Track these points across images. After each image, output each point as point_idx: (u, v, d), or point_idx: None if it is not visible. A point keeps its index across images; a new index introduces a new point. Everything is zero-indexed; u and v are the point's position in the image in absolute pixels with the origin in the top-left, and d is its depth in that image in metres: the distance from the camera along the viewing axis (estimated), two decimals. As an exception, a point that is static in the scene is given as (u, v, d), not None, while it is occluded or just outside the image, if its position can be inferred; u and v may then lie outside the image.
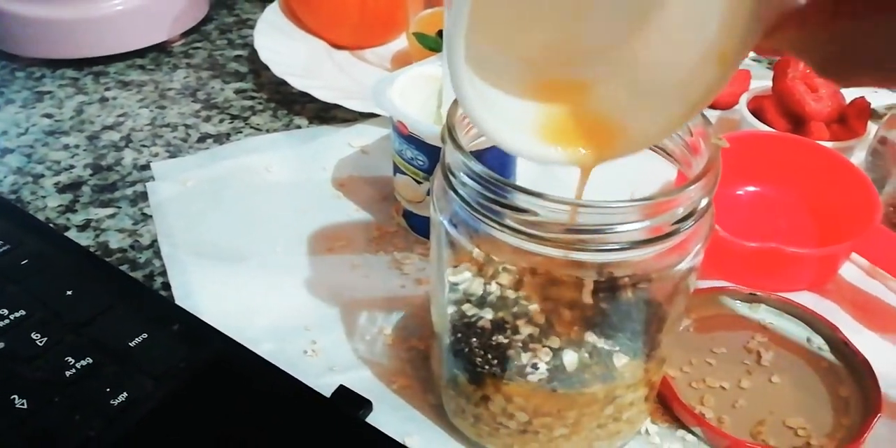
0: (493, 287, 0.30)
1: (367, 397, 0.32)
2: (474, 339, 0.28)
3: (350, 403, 0.31)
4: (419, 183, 0.40)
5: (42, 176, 0.48)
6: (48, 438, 0.29)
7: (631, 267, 0.24)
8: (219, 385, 0.31)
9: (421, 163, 0.39)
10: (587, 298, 0.28)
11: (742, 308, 0.38)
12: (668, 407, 0.33)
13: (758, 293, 0.37)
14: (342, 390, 0.32)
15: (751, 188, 0.45)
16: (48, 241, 0.38)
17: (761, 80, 0.51)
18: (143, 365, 0.32)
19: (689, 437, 0.32)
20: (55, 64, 0.59)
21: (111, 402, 0.30)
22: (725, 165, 0.41)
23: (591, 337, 0.28)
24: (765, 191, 0.45)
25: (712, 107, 0.53)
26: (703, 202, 0.23)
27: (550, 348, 0.28)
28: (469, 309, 0.29)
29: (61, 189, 0.46)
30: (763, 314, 0.37)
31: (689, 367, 0.35)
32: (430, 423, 0.32)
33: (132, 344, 0.32)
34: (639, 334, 0.28)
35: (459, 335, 0.28)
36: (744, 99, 0.49)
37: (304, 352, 0.35)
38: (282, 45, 0.57)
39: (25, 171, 0.48)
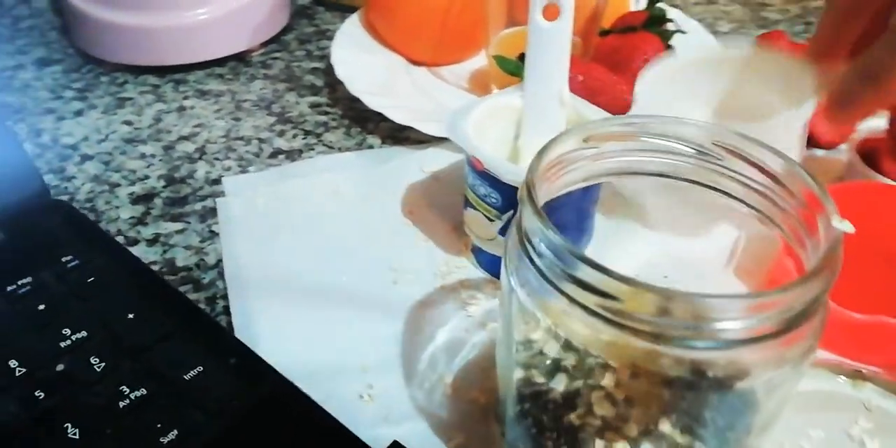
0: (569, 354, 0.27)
1: (422, 453, 0.30)
2: (543, 416, 0.26)
3: (403, 461, 0.29)
4: (491, 220, 0.38)
5: (118, 185, 0.48)
6: (97, 474, 0.28)
7: (727, 366, 0.21)
8: (268, 428, 0.30)
9: (494, 200, 0.37)
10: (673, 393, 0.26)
11: (845, 386, 0.34)
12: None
13: (864, 370, 0.34)
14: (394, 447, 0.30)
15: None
16: (116, 257, 0.38)
17: (874, 120, 0.47)
18: (196, 400, 0.31)
19: (774, 530, 0.29)
20: (138, 70, 0.59)
21: (161, 439, 0.29)
22: None
23: (671, 430, 0.25)
24: (876, 252, 0.40)
25: (813, 145, 0.49)
26: (822, 299, 0.20)
27: (628, 438, 0.25)
28: (536, 375, 0.27)
29: (135, 200, 0.47)
30: (869, 395, 0.34)
31: (782, 449, 0.32)
32: (487, 492, 0.30)
33: (187, 377, 0.32)
34: (727, 432, 0.25)
35: (527, 406, 0.26)
36: (852, 140, 0.45)
37: (360, 396, 0.33)
38: (359, 59, 0.56)
39: (102, 179, 0.48)
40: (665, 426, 0.25)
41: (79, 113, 0.55)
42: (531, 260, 0.22)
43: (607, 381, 0.27)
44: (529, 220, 0.22)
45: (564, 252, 0.20)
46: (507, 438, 0.28)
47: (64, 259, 0.37)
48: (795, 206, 0.23)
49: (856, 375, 0.34)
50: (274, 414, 0.31)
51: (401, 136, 0.52)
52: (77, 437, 0.29)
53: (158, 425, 0.30)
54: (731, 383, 0.22)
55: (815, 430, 0.32)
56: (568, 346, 0.26)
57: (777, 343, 0.20)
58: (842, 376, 0.34)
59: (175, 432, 0.29)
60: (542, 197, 0.24)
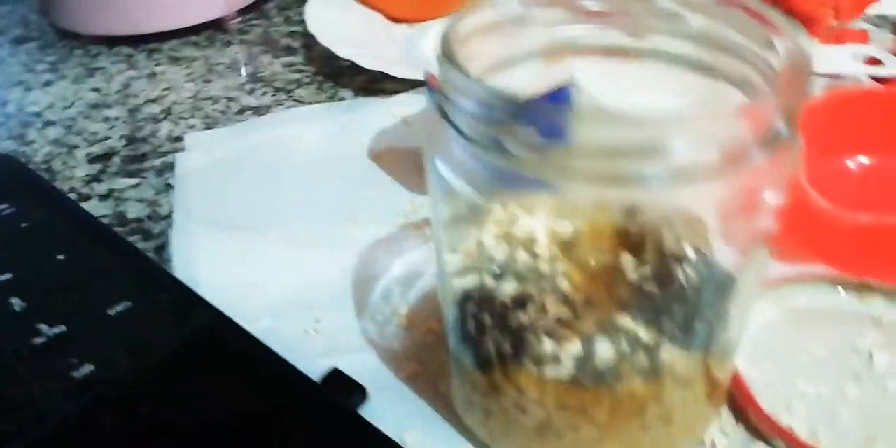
0: (522, 255, 0.24)
1: (368, 385, 0.27)
2: (487, 316, 0.23)
3: (342, 390, 0.26)
4: (453, 144, 0.34)
5: (77, 147, 0.46)
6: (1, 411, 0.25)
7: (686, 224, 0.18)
8: (198, 363, 0.27)
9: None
10: (630, 273, 0.22)
11: (849, 300, 0.30)
12: (741, 413, 0.26)
13: (871, 281, 0.29)
14: (335, 374, 0.27)
15: (863, 158, 0.37)
16: (56, 206, 0.36)
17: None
18: (118, 336, 0.28)
19: (770, 453, 0.25)
20: (113, 42, 0.58)
21: (73, 374, 0.26)
22: (829, 133, 0.33)
23: (632, 325, 0.21)
24: (881, 162, 0.36)
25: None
26: (783, 128, 0.17)
27: (581, 336, 0.22)
28: (483, 280, 0.24)
29: (92, 159, 0.44)
30: (878, 308, 0.29)
31: (774, 366, 0.28)
32: (436, 418, 0.26)
33: (112, 312, 0.29)
34: (695, 319, 0.21)
35: (470, 309, 0.23)
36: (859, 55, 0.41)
37: (305, 331, 0.30)
38: (335, 16, 0.54)
39: (62, 142, 0.46)
40: (625, 320, 0.22)
41: (48, 83, 0.53)
42: (452, 122, 0.19)
43: (563, 284, 0.23)
44: (448, 74, 0.18)
45: (492, 96, 0.17)
46: (449, 347, 0.24)
47: None
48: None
49: (862, 287, 0.30)
50: (205, 349, 0.28)
51: (374, 87, 0.49)
52: (-15, 374, 0.27)
53: (74, 360, 0.27)
54: (691, 258, 0.18)
55: (816, 344, 0.28)
56: (517, 244, 0.23)
57: (737, 181, 0.17)
58: (846, 290, 0.30)
59: (91, 367, 0.27)
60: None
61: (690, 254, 0.23)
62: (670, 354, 0.21)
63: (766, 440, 0.25)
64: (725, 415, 0.26)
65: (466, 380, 0.24)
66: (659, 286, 0.22)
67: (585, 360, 0.21)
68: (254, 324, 0.29)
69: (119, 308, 0.29)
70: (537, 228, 0.24)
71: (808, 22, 0.42)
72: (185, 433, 0.25)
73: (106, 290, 0.30)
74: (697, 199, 0.18)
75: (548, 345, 0.22)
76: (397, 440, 0.24)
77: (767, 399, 0.26)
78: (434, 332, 0.30)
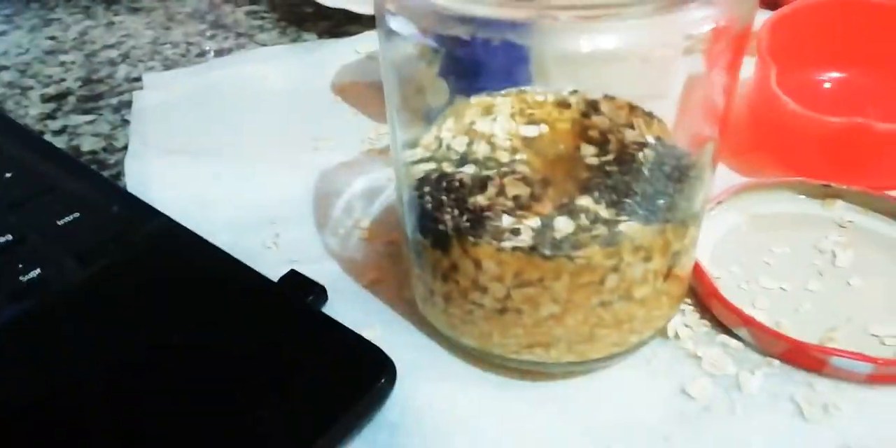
0: (482, 146, 0.23)
1: (330, 292, 0.26)
2: (444, 195, 0.22)
3: (300, 288, 0.25)
4: (415, 64, 0.34)
5: (31, 88, 0.44)
6: (-59, 313, 0.24)
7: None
8: (149, 268, 0.26)
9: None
10: (591, 159, 0.22)
11: (812, 205, 0.30)
12: (706, 310, 0.26)
13: (832, 185, 0.29)
14: (292, 275, 0.26)
15: (835, 74, 0.36)
16: (4, 129, 0.35)
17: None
18: (67, 244, 0.27)
19: (734, 342, 0.25)
20: (71, -6, 0.56)
21: (20, 278, 0.25)
22: (801, 44, 0.33)
23: (592, 204, 0.21)
24: (854, 76, 0.36)
25: None
26: None
27: (540, 214, 0.21)
28: (442, 167, 0.23)
29: (46, 99, 0.43)
30: (840, 211, 0.29)
31: (739, 267, 0.27)
32: (396, 317, 0.26)
33: (61, 222, 0.28)
34: (654, 195, 0.21)
35: (426, 189, 0.22)
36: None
37: (264, 244, 0.30)
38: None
39: (16, 84, 0.45)
40: (585, 200, 0.21)
41: (2, 34, 0.52)
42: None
43: (522, 168, 0.23)
44: None
45: None
46: (406, 232, 0.24)
47: (-54, 132, 0.34)
48: None
49: (825, 193, 0.29)
50: (156, 255, 0.27)
51: (338, 31, 0.48)
52: (-76, 282, 0.25)
53: (20, 266, 0.26)
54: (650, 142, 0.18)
55: (780, 246, 0.28)
56: (477, 137, 0.23)
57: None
58: (807, 195, 0.30)
59: (38, 271, 0.26)
60: None
61: (650, 140, 0.23)
62: (629, 226, 0.21)
63: (729, 332, 0.25)
64: (689, 311, 0.26)
65: (425, 265, 0.23)
66: (618, 166, 0.22)
67: (544, 232, 0.21)
68: (211, 238, 0.28)
69: (68, 218, 0.28)
70: (497, 126, 0.24)
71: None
72: (137, 337, 0.24)
73: (55, 203, 0.29)
74: (653, 28, 0.17)
75: (507, 220, 0.21)
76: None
77: (732, 295, 0.25)
78: (396, 243, 0.29)
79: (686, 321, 0.25)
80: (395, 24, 0.20)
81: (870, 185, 0.29)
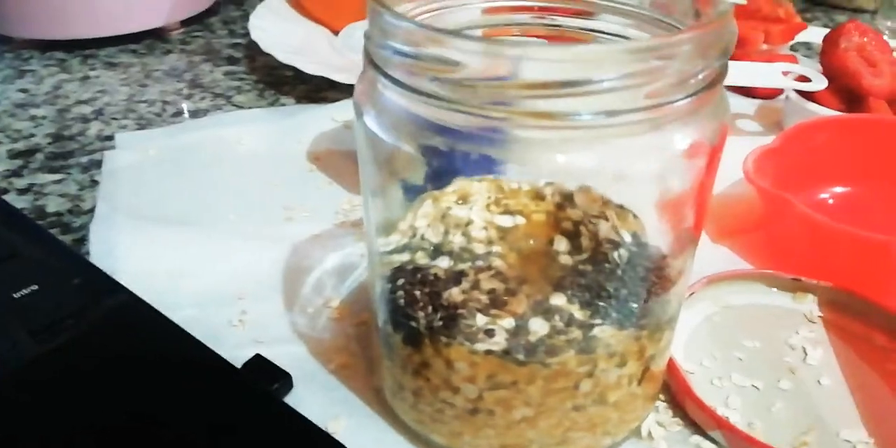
0: (457, 237, 0.23)
1: (294, 376, 0.25)
2: (418, 290, 0.22)
3: (264, 376, 0.25)
4: (393, 140, 0.34)
5: (-1, 143, 0.44)
6: None
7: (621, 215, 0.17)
8: (106, 347, 0.25)
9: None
10: (564, 256, 0.22)
11: (783, 298, 0.30)
12: (679, 407, 0.25)
13: (803, 279, 0.30)
14: (257, 360, 0.25)
15: (839, 189, 0.37)
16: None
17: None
18: (22, 318, 0.26)
19: (707, 444, 0.24)
20: (47, 46, 0.56)
21: (-33, 357, 0.24)
22: (797, 165, 0.33)
23: (566, 304, 0.21)
24: (858, 190, 0.37)
25: (751, 95, 0.47)
26: (705, 72, 0.17)
27: (514, 314, 0.21)
28: (416, 258, 0.23)
29: (14, 155, 0.42)
30: (810, 306, 0.30)
31: (712, 360, 0.27)
32: (363, 408, 0.25)
33: (17, 295, 0.27)
34: (628, 297, 0.21)
35: (400, 282, 0.22)
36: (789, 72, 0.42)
37: (230, 322, 0.29)
38: (279, 27, 0.53)
39: (-18, 138, 0.44)
40: (559, 300, 0.21)
41: (-28, 83, 0.51)
42: (378, 68, 0.18)
43: (497, 263, 0.22)
44: (378, 19, 0.18)
45: (425, 33, 0.16)
46: (377, 325, 0.23)
47: None
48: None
49: (795, 286, 0.30)
50: (115, 334, 0.26)
51: (316, 96, 0.49)
52: None
53: (-32, 343, 0.24)
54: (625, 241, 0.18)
55: (752, 341, 0.28)
56: (452, 227, 0.22)
57: (659, 125, 0.16)
58: (777, 288, 0.30)
59: (-13, 349, 0.24)
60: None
61: (626, 238, 0.23)
62: (604, 331, 0.20)
63: (703, 433, 0.25)
64: (663, 408, 0.25)
65: (395, 359, 0.22)
66: (592, 266, 0.22)
67: (518, 334, 0.20)
68: (176, 313, 0.27)
69: (25, 291, 0.27)
70: (474, 215, 0.24)
71: (740, 43, 0.44)
72: (90, 421, 0.22)
73: (12, 274, 0.28)
74: (627, 146, 0.17)
75: (480, 319, 0.21)
76: (322, 428, 0.23)
77: (705, 393, 0.25)
78: (367, 324, 0.29)
79: (659, 419, 0.25)
80: (373, 125, 0.20)
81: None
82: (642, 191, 0.19)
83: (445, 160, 0.18)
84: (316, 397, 0.25)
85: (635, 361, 0.21)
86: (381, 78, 0.18)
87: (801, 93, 0.41)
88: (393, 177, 0.20)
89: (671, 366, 0.25)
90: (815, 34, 0.48)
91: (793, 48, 0.51)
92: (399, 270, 0.22)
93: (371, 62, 0.18)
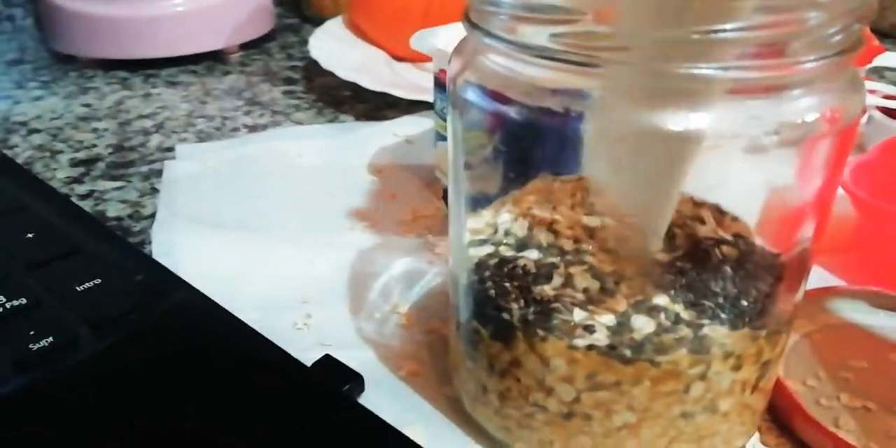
0: (543, 233, 0.22)
1: (366, 381, 0.24)
2: (507, 282, 0.20)
3: (335, 376, 0.23)
4: (463, 147, 0.33)
5: (61, 152, 0.44)
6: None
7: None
8: (171, 343, 0.24)
9: (466, 119, 0.32)
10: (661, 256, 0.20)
11: (889, 318, 0.28)
12: (785, 428, 0.23)
13: (907, 299, 0.27)
14: (327, 360, 0.24)
15: None
16: (31, 189, 0.33)
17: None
18: (84, 311, 0.25)
19: (819, 467, 0.22)
20: (109, 66, 0.57)
21: (30, 346, 0.23)
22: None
23: (669, 303, 0.19)
24: None
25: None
26: (841, 35, 0.15)
27: (614, 311, 0.19)
28: (501, 251, 0.21)
29: (75, 164, 0.42)
30: (914, 326, 0.27)
31: (816, 380, 0.25)
32: (440, 415, 0.23)
33: (80, 288, 0.26)
34: (739, 296, 0.19)
35: (487, 273, 0.20)
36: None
37: (295, 325, 0.27)
38: (338, 48, 0.54)
39: (46, 147, 0.44)
40: (661, 299, 0.19)
41: (38, 99, 0.52)
42: (484, 30, 0.17)
43: (589, 258, 0.21)
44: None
45: None
46: (459, 319, 0.21)
47: (-31, 188, 0.33)
48: None
49: (900, 305, 0.28)
50: (179, 330, 0.25)
51: (375, 115, 0.48)
52: (-74, 343, 0.23)
53: (31, 333, 0.23)
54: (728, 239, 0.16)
55: (857, 360, 0.26)
56: (537, 224, 0.21)
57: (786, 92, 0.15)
58: (883, 308, 0.28)
59: (49, 339, 0.23)
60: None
61: (727, 237, 0.21)
62: (715, 330, 0.19)
63: (812, 454, 0.22)
64: (765, 428, 0.23)
65: (480, 359, 0.21)
66: (692, 264, 0.20)
67: (621, 332, 0.19)
68: (239, 315, 0.26)
69: (88, 285, 0.26)
70: (558, 215, 0.23)
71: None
72: (151, 419, 0.21)
73: (75, 268, 0.27)
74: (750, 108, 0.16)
75: (578, 314, 0.19)
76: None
77: (813, 412, 0.23)
78: (437, 332, 0.27)
79: (764, 440, 0.23)
80: (472, 95, 0.18)
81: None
82: (769, 160, 0.18)
83: (554, 123, 0.17)
84: (388, 403, 0.23)
85: (751, 365, 0.19)
86: (486, 40, 0.17)
87: (885, 112, 0.39)
88: (489, 148, 0.19)
89: (778, 382, 0.23)
90: (892, 59, 0.46)
91: (869, 72, 0.50)
92: (483, 263, 0.21)
93: (475, 26, 0.17)
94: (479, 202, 0.21)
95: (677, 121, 0.16)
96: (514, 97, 0.17)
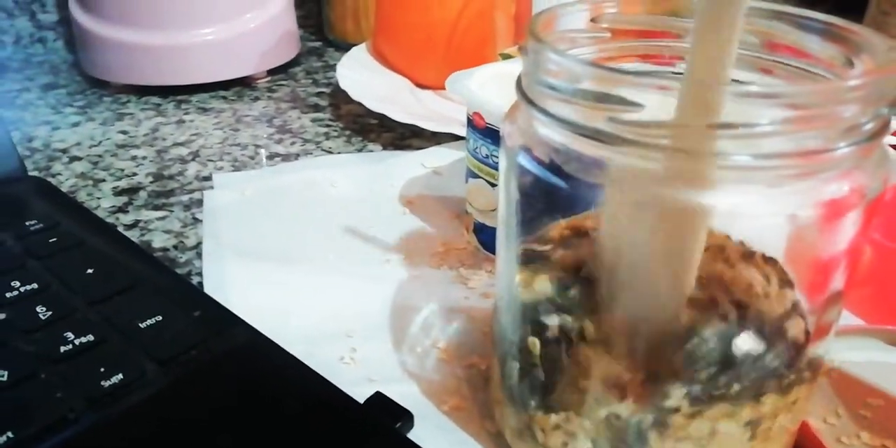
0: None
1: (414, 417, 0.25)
2: (565, 354, 0.21)
3: (387, 413, 0.25)
4: (494, 186, 0.35)
5: (103, 180, 0.45)
6: (21, 416, 0.23)
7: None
8: (231, 379, 0.26)
9: (497, 160, 0.34)
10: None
11: (901, 356, 0.29)
12: (807, 464, 0.25)
13: (923, 337, 0.29)
14: (378, 397, 0.25)
15: None
16: (84, 222, 0.35)
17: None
18: (149, 348, 0.26)
19: (840, 503, 0.23)
20: (142, 92, 0.59)
21: (102, 383, 0.25)
22: None
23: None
24: None
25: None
26: (879, 118, 0.17)
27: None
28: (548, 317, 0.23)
29: (118, 192, 0.44)
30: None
31: (836, 418, 0.27)
32: (485, 450, 0.25)
33: (143, 325, 0.27)
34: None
35: (548, 339, 0.22)
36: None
37: (341, 359, 0.29)
38: (364, 77, 0.56)
39: (88, 176, 0.46)
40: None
41: (76, 124, 0.54)
42: (537, 106, 0.19)
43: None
44: (542, 57, 0.18)
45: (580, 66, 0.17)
46: (505, 384, 0.23)
47: (28, 223, 0.34)
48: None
49: (918, 344, 0.29)
50: (239, 366, 0.26)
51: (403, 143, 0.50)
52: (4, 379, 0.25)
53: (102, 369, 0.25)
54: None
55: (875, 399, 0.27)
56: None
57: (818, 175, 0.17)
58: (894, 345, 0.29)
59: (119, 376, 0.25)
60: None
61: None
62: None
63: (834, 491, 0.24)
64: (787, 463, 0.25)
65: (522, 422, 0.22)
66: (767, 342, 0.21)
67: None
68: (288, 349, 0.28)
69: (150, 322, 0.28)
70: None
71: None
72: (213, 453, 0.23)
73: (137, 305, 0.29)
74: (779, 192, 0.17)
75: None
76: (448, 468, 0.23)
77: (834, 449, 0.24)
78: (475, 367, 0.29)
79: (787, 475, 0.24)
80: (526, 162, 0.20)
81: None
82: (794, 240, 0.19)
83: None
84: (435, 439, 0.25)
85: (787, 413, 0.21)
86: (539, 115, 0.19)
87: None
88: (546, 214, 0.21)
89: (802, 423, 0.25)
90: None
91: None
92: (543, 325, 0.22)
93: (530, 102, 0.19)
94: (529, 257, 0.23)
95: (707, 197, 0.17)
96: (571, 172, 0.18)
